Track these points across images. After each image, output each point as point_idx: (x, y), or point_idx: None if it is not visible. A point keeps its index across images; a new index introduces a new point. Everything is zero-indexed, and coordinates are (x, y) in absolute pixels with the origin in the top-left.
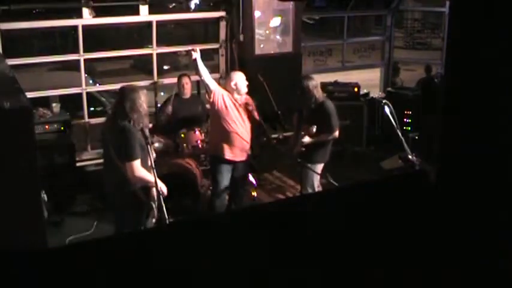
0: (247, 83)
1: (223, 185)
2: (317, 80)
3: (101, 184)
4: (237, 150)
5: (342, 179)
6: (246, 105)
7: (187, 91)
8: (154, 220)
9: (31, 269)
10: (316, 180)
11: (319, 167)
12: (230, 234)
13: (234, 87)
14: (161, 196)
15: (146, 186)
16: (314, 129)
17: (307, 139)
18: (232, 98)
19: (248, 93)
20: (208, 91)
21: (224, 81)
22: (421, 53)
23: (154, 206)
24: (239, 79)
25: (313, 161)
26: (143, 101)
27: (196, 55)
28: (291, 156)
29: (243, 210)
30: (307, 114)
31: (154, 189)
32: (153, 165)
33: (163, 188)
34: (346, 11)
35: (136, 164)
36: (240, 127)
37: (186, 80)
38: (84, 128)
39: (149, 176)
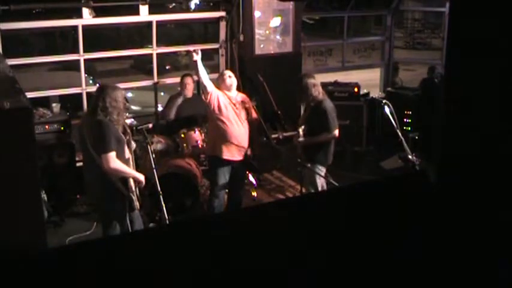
0: (232, 78)
1: (222, 185)
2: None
3: (84, 179)
4: (235, 150)
5: (342, 179)
6: (243, 103)
7: (190, 92)
8: (137, 211)
9: (31, 269)
10: (319, 182)
11: (322, 168)
12: (230, 234)
13: (222, 84)
14: (161, 196)
15: (124, 178)
16: (301, 132)
17: (301, 139)
18: (227, 98)
19: (248, 93)
20: (205, 92)
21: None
22: (421, 53)
23: (133, 197)
24: (224, 74)
25: (315, 162)
26: (122, 99)
27: (198, 57)
28: (292, 156)
29: (243, 210)
30: (306, 113)
31: (132, 181)
32: (154, 165)
33: (141, 177)
34: (346, 11)
35: (112, 155)
36: (238, 127)
37: (188, 81)
38: None
39: (125, 168)
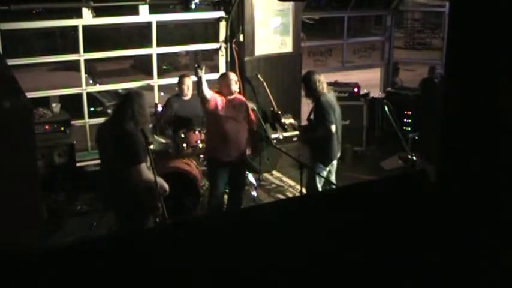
0: (237, 84)
1: (221, 186)
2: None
3: (101, 184)
4: (233, 151)
5: (342, 179)
6: (240, 105)
7: (188, 92)
8: (157, 220)
9: (31, 269)
10: (318, 180)
11: (320, 166)
12: (230, 234)
13: (225, 87)
14: (161, 196)
15: (150, 187)
16: (287, 120)
17: (289, 121)
18: (225, 100)
19: (248, 93)
20: (206, 101)
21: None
22: (421, 53)
23: (159, 206)
24: (230, 79)
25: (315, 159)
26: (146, 105)
27: (202, 73)
28: (292, 156)
29: (243, 210)
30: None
31: (157, 190)
32: (153, 165)
33: (165, 186)
34: (346, 11)
35: (143, 166)
36: (236, 128)
37: (186, 82)
38: (84, 128)
39: (153, 177)
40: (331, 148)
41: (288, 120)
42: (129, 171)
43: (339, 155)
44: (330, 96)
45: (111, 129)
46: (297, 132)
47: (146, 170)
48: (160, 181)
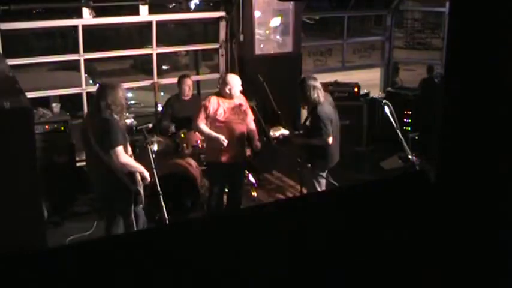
0: (241, 88)
1: (220, 189)
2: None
3: (91, 181)
4: (233, 153)
5: (342, 179)
6: (240, 105)
7: (188, 92)
8: (142, 206)
9: (31, 269)
10: (319, 184)
11: (321, 173)
12: (229, 234)
13: (228, 91)
14: (161, 196)
15: (131, 172)
16: (277, 133)
17: (280, 132)
18: (225, 102)
19: (248, 93)
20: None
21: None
22: (421, 53)
23: (141, 190)
24: (234, 83)
25: (313, 167)
26: (122, 95)
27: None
28: (292, 156)
29: (243, 210)
30: (307, 115)
31: (138, 175)
32: (154, 165)
33: (146, 173)
34: (346, 11)
35: (120, 150)
36: (235, 129)
37: (187, 81)
38: None
39: (133, 162)
40: (329, 156)
41: (278, 133)
42: (108, 157)
43: (336, 161)
44: (327, 104)
45: (90, 122)
46: (295, 132)
47: (124, 154)
48: (140, 167)
